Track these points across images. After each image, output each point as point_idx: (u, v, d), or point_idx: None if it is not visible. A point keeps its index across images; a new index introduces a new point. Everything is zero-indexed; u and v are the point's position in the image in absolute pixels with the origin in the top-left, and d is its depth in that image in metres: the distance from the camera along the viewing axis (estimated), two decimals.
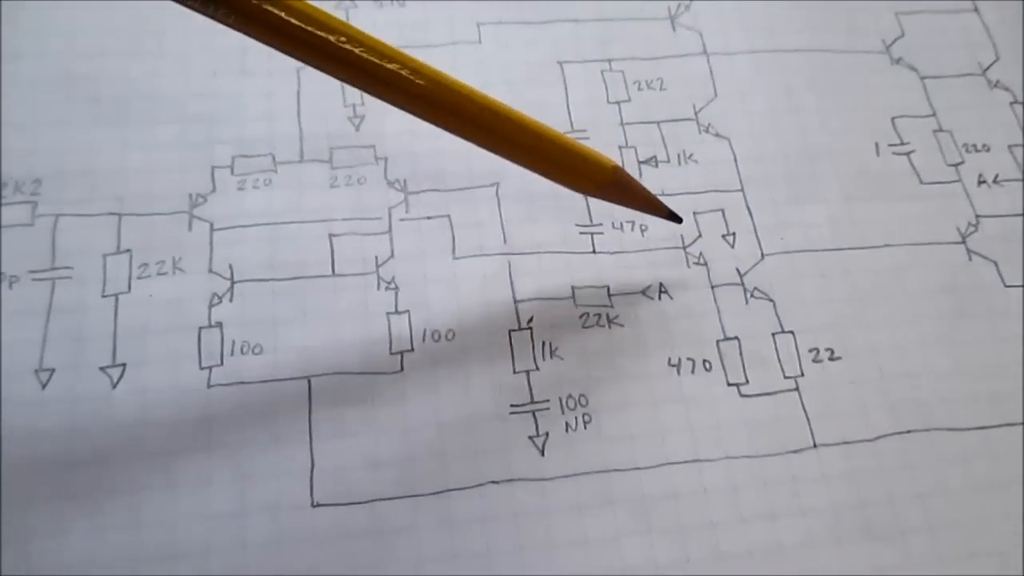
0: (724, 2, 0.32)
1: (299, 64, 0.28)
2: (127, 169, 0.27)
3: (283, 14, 0.20)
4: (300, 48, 0.20)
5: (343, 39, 0.20)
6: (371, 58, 0.21)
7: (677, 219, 0.26)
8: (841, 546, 0.24)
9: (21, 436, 0.23)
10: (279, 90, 0.29)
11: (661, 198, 0.27)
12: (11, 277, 0.25)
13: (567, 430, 0.25)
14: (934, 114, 0.31)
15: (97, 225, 0.26)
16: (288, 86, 0.29)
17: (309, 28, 0.20)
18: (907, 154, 0.30)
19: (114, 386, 0.24)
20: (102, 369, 0.24)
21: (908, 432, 0.25)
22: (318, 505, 0.23)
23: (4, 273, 0.25)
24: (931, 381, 0.26)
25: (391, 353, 0.25)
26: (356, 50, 0.20)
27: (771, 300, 0.27)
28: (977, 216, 0.29)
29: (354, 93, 0.29)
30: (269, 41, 0.20)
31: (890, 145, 0.30)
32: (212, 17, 0.20)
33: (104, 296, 0.25)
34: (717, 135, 0.29)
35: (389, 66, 0.21)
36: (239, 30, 0.20)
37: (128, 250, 0.26)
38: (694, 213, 0.28)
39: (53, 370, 0.24)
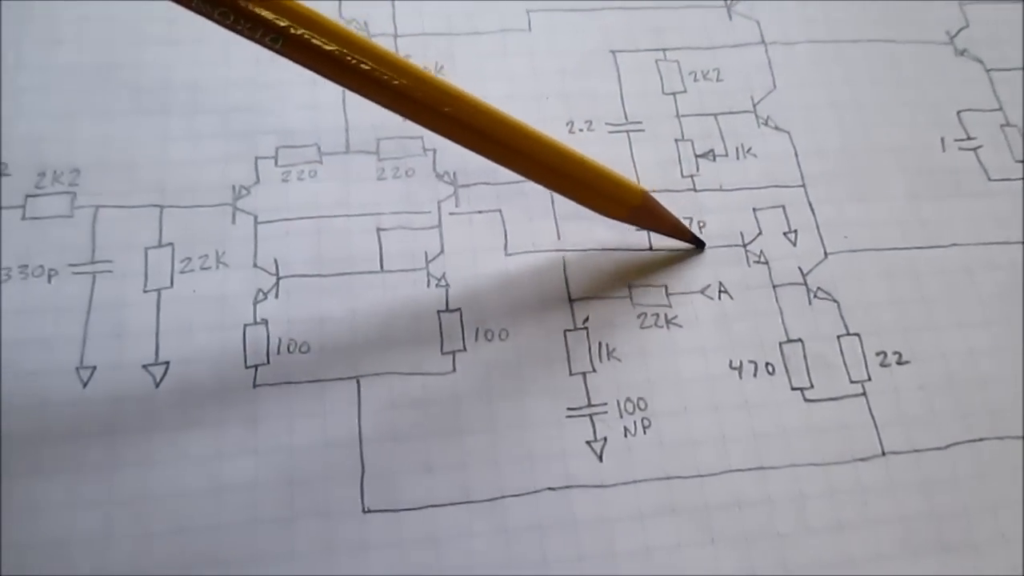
0: None
1: None
2: (168, 160, 0.26)
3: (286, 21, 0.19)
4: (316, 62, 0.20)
5: (357, 57, 0.20)
6: (382, 73, 0.20)
7: (700, 244, 0.26)
8: (914, 558, 0.23)
9: (62, 436, 0.22)
10: (323, 79, 0.28)
11: (719, 193, 0.27)
12: (50, 270, 0.24)
13: (626, 435, 0.24)
14: (1001, 108, 0.30)
15: (138, 217, 0.25)
16: None
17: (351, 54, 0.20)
18: (974, 149, 0.29)
19: (157, 385, 0.23)
20: (145, 367, 0.23)
21: (980, 440, 0.24)
22: (369, 511, 0.22)
23: (43, 266, 0.24)
24: (1003, 387, 0.25)
25: (443, 353, 0.24)
26: (367, 65, 0.20)
27: (835, 301, 0.26)
28: None
29: None
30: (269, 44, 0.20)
31: (956, 140, 0.29)
32: (214, 19, 0.19)
33: (146, 291, 0.24)
34: (776, 128, 0.28)
35: (399, 81, 0.20)
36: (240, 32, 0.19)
37: (170, 243, 0.25)
38: (754, 209, 0.27)
39: (94, 368, 0.23)
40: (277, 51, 0.19)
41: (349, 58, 0.20)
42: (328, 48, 0.20)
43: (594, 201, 0.24)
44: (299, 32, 0.19)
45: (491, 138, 0.22)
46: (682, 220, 0.26)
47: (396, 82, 0.20)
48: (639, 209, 0.24)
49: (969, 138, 0.29)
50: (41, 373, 0.23)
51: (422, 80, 0.21)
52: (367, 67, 0.20)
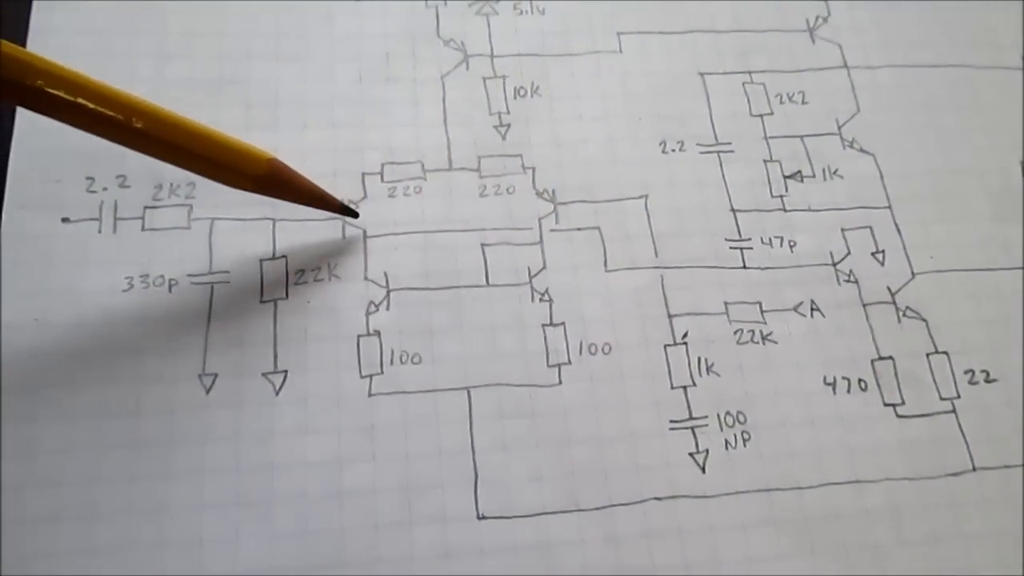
0: (863, 14, 0.31)
1: (443, 71, 0.28)
2: None
3: None
4: None
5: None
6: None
7: (353, 214, 0.25)
8: (1007, 572, 0.24)
9: (189, 440, 0.23)
10: (424, 97, 0.29)
11: (808, 213, 0.27)
12: (171, 280, 0.25)
13: (727, 447, 0.25)
14: None
15: (252, 230, 0.26)
16: (433, 93, 0.29)
17: None
18: None
19: (277, 393, 0.24)
20: (264, 375, 0.24)
21: None
22: (483, 518, 0.23)
23: (164, 276, 0.25)
24: None
25: (548, 366, 0.25)
26: None
27: (923, 320, 0.27)
28: None
29: (499, 101, 0.29)
30: None
31: None
32: None
33: (263, 302, 0.25)
34: (861, 150, 0.29)
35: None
36: None
37: (284, 256, 0.26)
38: (842, 230, 0.28)
39: (216, 375, 0.24)
40: None
41: None
42: None
43: (215, 173, 0.23)
44: None
45: (83, 110, 0.21)
46: (772, 239, 0.27)
47: None
48: (267, 178, 0.23)
49: None
50: (166, 380, 0.24)
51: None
52: None
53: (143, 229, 0.26)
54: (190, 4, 0.29)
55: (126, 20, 0.28)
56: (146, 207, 0.26)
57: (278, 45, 0.29)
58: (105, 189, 0.26)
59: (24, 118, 0.26)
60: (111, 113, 0.21)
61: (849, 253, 0.28)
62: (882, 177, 0.29)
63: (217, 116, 0.27)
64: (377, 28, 0.29)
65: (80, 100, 0.21)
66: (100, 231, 0.26)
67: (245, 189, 0.23)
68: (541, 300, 0.26)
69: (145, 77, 0.28)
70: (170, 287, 0.25)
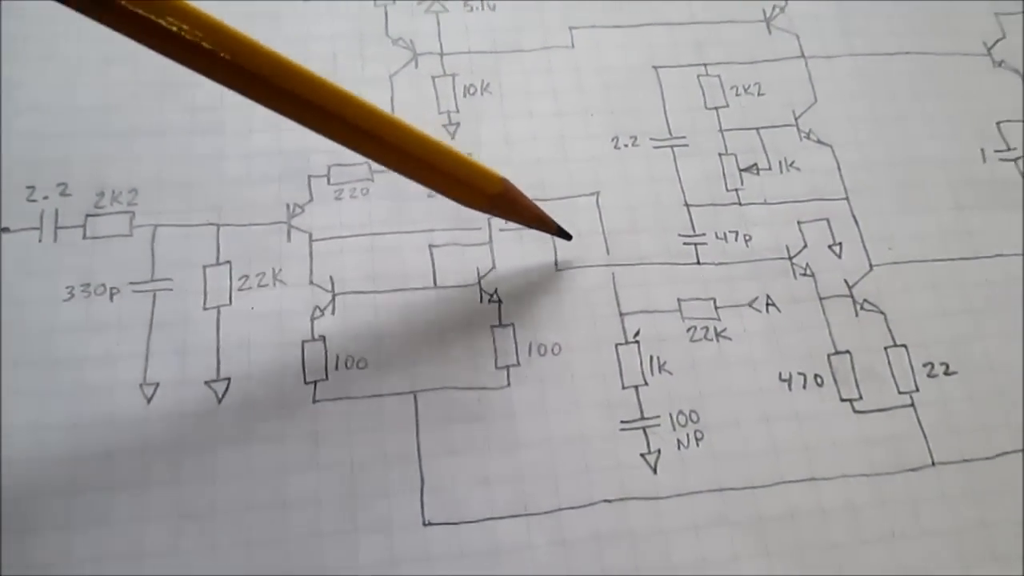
0: (820, 3, 0.31)
1: (391, 70, 0.28)
2: (224, 178, 0.27)
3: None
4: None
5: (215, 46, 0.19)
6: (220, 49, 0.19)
7: (567, 236, 0.25)
8: (966, 569, 0.23)
9: (129, 451, 0.23)
10: (373, 97, 0.28)
11: (764, 206, 0.27)
12: (112, 289, 0.25)
13: (679, 447, 0.24)
14: None
15: (196, 236, 0.26)
16: (382, 93, 0.28)
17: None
18: (1014, 160, 0.29)
19: (220, 401, 0.24)
20: (207, 383, 0.24)
21: None
22: (429, 524, 0.23)
23: (105, 285, 0.25)
24: None
25: (497, 367, 0.25)
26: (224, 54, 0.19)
27: (882, 312, 0.26)
28: None
29: (448, 100, 0.28)
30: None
31: (996, 151, 0.29)
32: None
33: (206, 309, 0.25)
34: (819, 142, 0.29)
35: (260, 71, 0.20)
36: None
37: (228, 261, 0.25)
38: (798, 222, 0.27)
39: (158, 384, 0.24)
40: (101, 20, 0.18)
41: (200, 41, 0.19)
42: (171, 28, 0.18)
43: (452, 189, 0.23)
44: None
45: (342, 120, 0.21)
46: (727, 233, 0.27)
47: (240, 63, 0.19)
48: (499, 198, 0.23)
49: (1009, 149, 0.29)
50: (106, 389, 0.24)
51: (264, 59, 0.20)
52: (208, 46, 0.19)
53: (84, 237, 0.25)
54: None
55: (72, 25, 0.28)
56: (88, 215, 0.26)
57: None
58: (46, 198, 0.26)
59: None
60: (365, 126, 0.21)
61: (806, 246, 0.27)
62: (839, 168, 0.28)
63: (162, 121, 0.27)
64: (325, 29, 0.29)
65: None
66: (41, 240, 0.25)
67: (478, 207, 0.24)
68: (490, 301, 0.26)
69: (88, 83, 0.27)
70: (111, 296, 0.25)
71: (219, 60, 0.19)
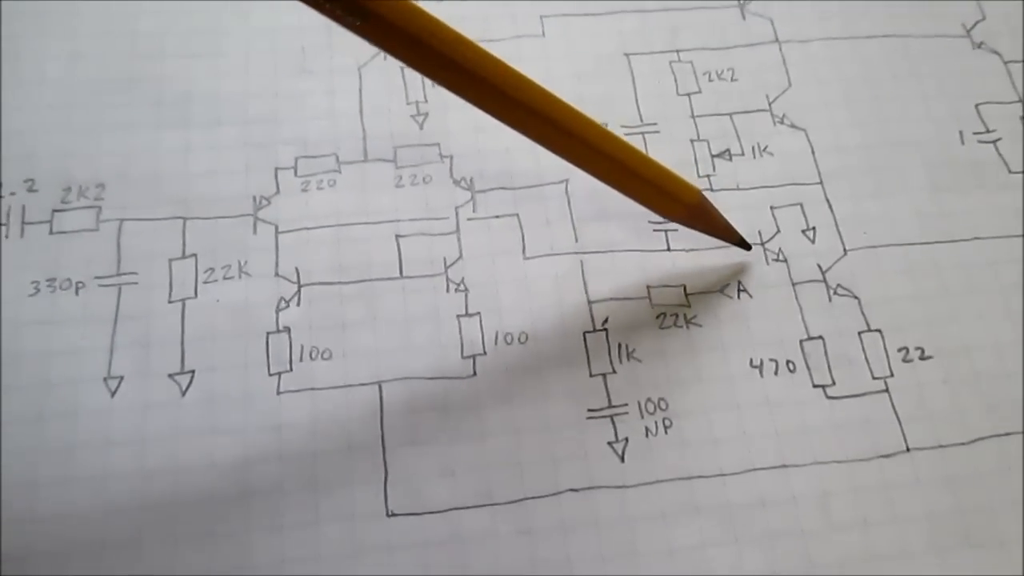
0: None
1: (360, 62, 0.28)
2: (190, 172, 0.26)
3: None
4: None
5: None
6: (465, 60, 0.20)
7: (747, 246, 0.25)
8: (940, 555, 0.23)
9: (92, 445, 0.23)
10: (341, 89, 0.28)
11: (736, 192, 0.27)
12: (77, 283, 0.25)
13: (647, 435, 0.24)
14: (1019, 100, 0.29)
15: (162, 229, 0.26)
16: (350, 84, 0.28)
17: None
18: (994, 142, 0.28)
19: (183, 394, 0.24)
20: (171, 376, 0.24)
21: (1006, 435, 0.24)
22: (393, 515, 0.23)
23: (71, 279, 0.25)
24: None
25: (463, 357, 0.24)
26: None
27: (856, 297, 0.26)
28: None
29: (417, 91, 0.28)
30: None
31: (975, 133, 0.29)
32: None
33: (171, 302, 0.25)
34: (793, 126, 0.28)
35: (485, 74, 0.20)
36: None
37: (193, 254, 0.25)
38: (771, 208, 0.27)
39: (122, 378, 0.24)
40: (357, 31, 0.19)
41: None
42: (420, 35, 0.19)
43: (654, 199, 0.23)
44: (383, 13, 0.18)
45: (564, 130, 0.21)
46: None
47: (482, 74, 0.20)
48: (695, 208, 0.24)
49: (988, 131, 0.29)
50: (70, 384, 0.23)
51: (500, 71, 0.21)
52: (457, 58, 0.20)
53: (51, 232, 0.25)
54: (103, 4, 0.28)
55: (36, 20, 0.28)
56: (54, 210, 0.26)
57: (191, 42, 0.28)
58: (13, 194, 0.26)
59: None
60: (595, 142, 0.22)
61: (778, 231, 0.27)
62: (813, 152, 0.28)
63: (128, 115, 0.27)
64: (293, 21, 0.29)
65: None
66: (7, 236, 0.25)
67: (675, 217, 0.24)
68: (457, 290, 0.25)
69: (54, 78, 0.27)
70: (77, 290, 0.25)
71: (473, 77, 0.20)
